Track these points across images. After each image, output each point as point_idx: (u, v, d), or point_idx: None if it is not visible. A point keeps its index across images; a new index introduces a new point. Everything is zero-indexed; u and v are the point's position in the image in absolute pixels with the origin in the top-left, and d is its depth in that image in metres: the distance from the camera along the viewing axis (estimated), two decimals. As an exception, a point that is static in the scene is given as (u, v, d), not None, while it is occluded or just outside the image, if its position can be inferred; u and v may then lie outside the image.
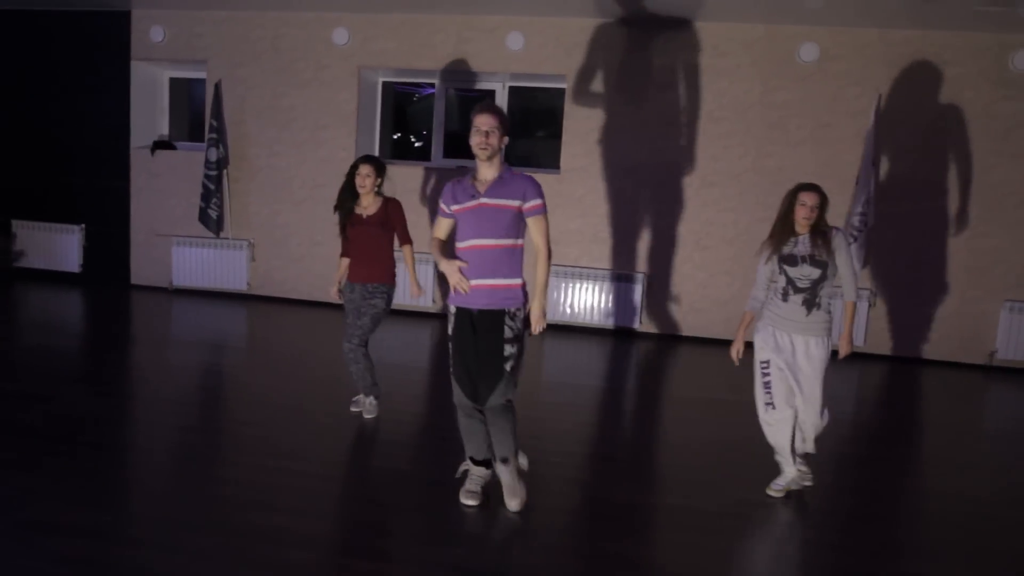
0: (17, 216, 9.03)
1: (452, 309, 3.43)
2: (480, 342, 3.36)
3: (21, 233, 9.03)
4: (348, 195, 4.54)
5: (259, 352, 6.58)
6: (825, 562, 3.20)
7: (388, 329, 7.03)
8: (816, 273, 3.75)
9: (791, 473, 3.84)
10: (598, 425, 4.86)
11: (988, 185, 7.08)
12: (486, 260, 3.32)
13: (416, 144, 9.62)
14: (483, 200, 3.32)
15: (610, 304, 7.81)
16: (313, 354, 6.34)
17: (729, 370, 6.73)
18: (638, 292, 7.73)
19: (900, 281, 7.33)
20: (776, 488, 3.86)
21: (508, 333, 3.34)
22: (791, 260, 3.78)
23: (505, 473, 3.46)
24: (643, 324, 7.83)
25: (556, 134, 8.96)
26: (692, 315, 7.77)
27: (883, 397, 6.32)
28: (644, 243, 7.77)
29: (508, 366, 3.35)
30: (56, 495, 3.32)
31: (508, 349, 3.35)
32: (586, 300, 7.86)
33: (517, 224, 3.36)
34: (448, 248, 3.49)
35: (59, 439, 3.98)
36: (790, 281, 3.80)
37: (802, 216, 3.76)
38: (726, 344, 7.60)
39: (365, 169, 4.47)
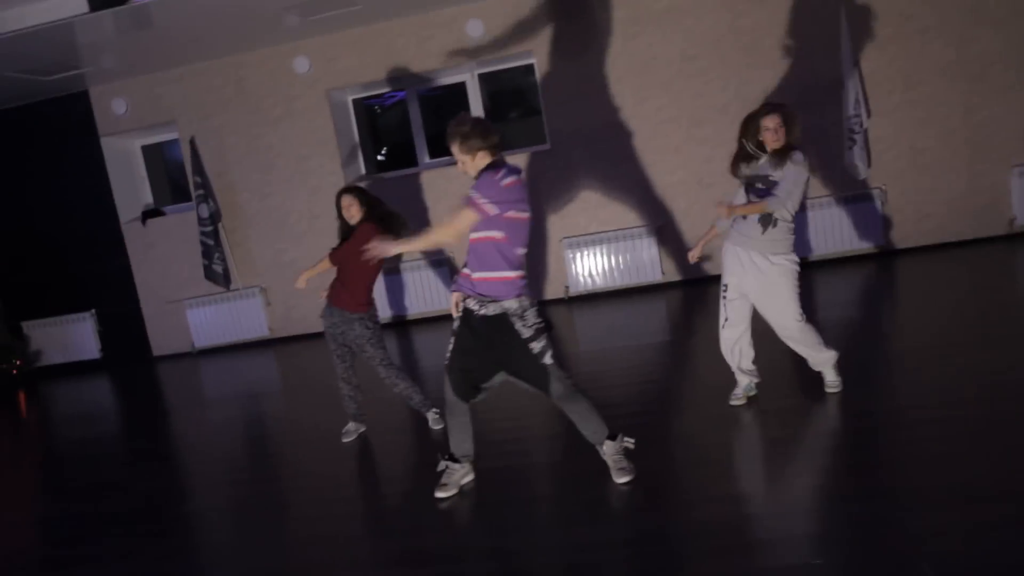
0: (25, 317, 8.97)
1: (460, 306, 3.43)
2: (492, 348, 3.35)
3: (33, 333, 8.97)
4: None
5: (298, 392, 6.53)
6: (873, 440, 3.23)
7: (408, 336, 7.03)
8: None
9: (743, 382, 4.16)
10: (663, 380, 4.87)
11: (972, 57, 7.06)
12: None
13: (380, 157, 9.43)
14: None
15: (628, 263, 7.80)
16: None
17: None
18: (653, 244, 7.73)
19: (906, 171, 7.33)
20: (735, 397, 4.15)
21: (525, 333, 3.30)
22: (751, 180, 3.85)
23: (609, 453, 3.46)
24: (665, 274, 7.83)
25: (530, 112, 8.91)
26: (711, 254, 7.76)
27: (920, 287, 6.31)
28: (648, 195, 7.75)
29: (546, 360, 3.32)
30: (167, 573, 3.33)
31: (536, 346, 3.31)
32: (602, 265, 7.85)
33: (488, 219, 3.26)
34: None
35: (145, 520, 3.98)
36: (750, 201, 3.85)
37: (771, 140, 3.75)
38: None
39: (346, 200, 4.47)
